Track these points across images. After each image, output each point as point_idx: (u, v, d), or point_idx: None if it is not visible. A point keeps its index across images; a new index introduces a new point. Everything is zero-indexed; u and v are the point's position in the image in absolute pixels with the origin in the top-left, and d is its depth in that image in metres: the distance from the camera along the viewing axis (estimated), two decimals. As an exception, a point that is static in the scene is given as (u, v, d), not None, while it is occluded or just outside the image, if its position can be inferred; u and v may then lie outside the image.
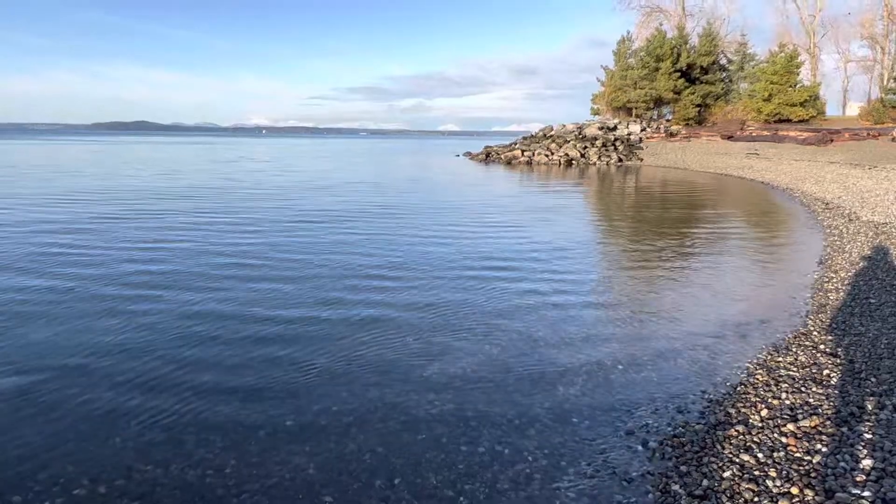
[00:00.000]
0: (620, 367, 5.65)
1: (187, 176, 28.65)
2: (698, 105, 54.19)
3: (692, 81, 54.80)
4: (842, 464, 3.61)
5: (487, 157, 48.40)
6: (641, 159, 44.50)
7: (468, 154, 54.48)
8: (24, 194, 19.39)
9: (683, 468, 3.77)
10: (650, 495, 3.57)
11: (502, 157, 46.52)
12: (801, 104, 48.40)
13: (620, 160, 44.01)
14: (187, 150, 67.47)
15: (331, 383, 5.19)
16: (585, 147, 45.81)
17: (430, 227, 13.81)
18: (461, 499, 3.62)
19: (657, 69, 53.78)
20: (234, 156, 52.71)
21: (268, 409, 4.70)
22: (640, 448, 4.13)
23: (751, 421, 4.32)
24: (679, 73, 53.73)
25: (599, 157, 43.94)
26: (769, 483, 3.50)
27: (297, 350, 5.96)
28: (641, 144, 49.12)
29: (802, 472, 3.60)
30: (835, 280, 8.58)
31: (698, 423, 4.40)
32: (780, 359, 5.59)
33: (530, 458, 4.04)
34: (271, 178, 27.94)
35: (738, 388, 4.99)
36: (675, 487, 3.57)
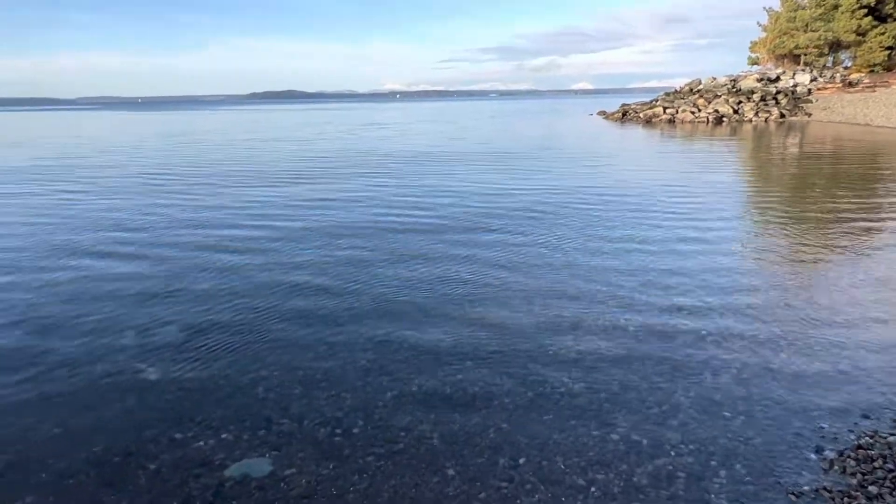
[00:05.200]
0: (784, 355, 4.88)
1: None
2: (889, 48, 45.51)
3: (882, 19, 46.03)
4: None
5: (624, 115, 45.28)
6: (809, 114, 38.69)
7: (602, 113, 51.45)
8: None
9: (873, 488, 3.11)
10: (826, 516, 2.99)
11: (640, 115, 43.20)
12: None
13: (783, 115, 38.67)
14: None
15: (456, 350, 5.11)
16: (740, 102, 40.84)
17: (562, 196, 13.20)
18: (592, 489, 3.33)
19: (836, 6, 45.92)
20: (368, 120, 54.99)
21: (395, 373, 4.73)
22: (812, 456, 3.49)
23: (968, 439, 3.46)
24: (865, 10, 45.37)
25: (756, 113, 38.98)
26: None
27: (426, 314, 5.96)
28: (810, 97, 42.62)
29: None
30: None
31: (893, 434, 3.62)
32: None
33: (673, 453, 3.61)
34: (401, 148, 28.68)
35: (948, 395, 4.04)
36: (862, 511, 2.95)
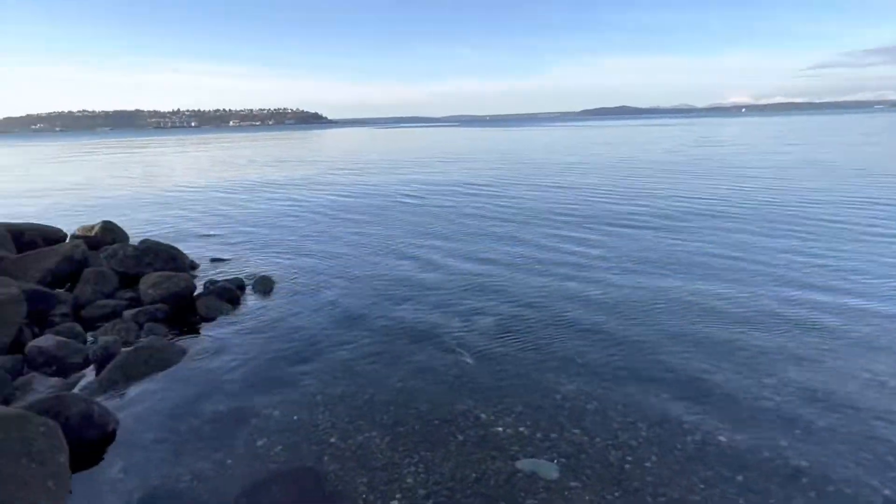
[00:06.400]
0: None
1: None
2: None
3: None
4: None
5: None
6: None
7: None
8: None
9: None
10: None
11: None
12: None
13: None
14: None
15: (781, 415, 4.31)
16: None
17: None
18: None
19: None
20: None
21: (704, 419, 4.28)
22: None
23: None
24: None
25: None
26: None
27: (773, 364, 5.22)
28: None
29: None
30: None
31: None
32: None
33: None
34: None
35: None
36: None
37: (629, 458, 3.81)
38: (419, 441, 4.11)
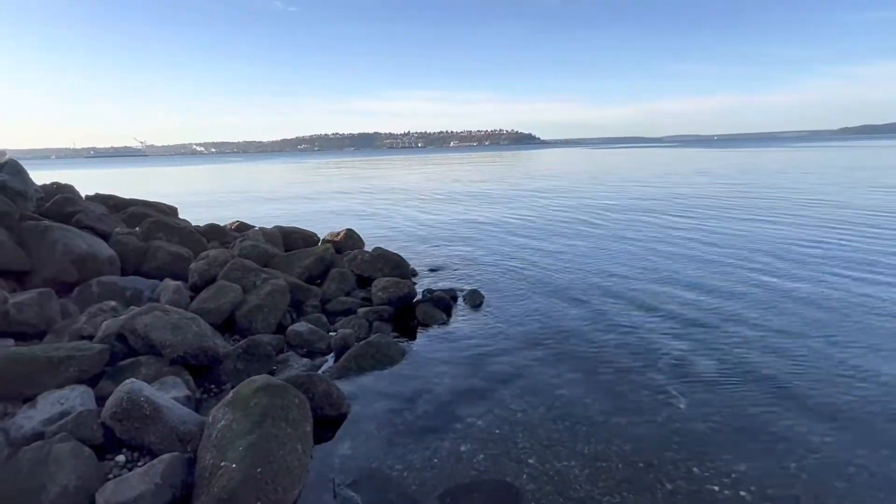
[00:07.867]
0: None
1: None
2: None
3: None
4: None
5: None
6: None
7: None
8: None
9: None
10: None
11: None
12: None
13: None
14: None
15: None
16: None
17: None
18: None
19: None
20: None
21: None
22: None
23: None
24: None
25: None
26: None
27: None
28: None
29: None
30: None
31: None
32: None
33: None
34: None
35: None
36: None
37: None
38: (621, 481, 3.91)
